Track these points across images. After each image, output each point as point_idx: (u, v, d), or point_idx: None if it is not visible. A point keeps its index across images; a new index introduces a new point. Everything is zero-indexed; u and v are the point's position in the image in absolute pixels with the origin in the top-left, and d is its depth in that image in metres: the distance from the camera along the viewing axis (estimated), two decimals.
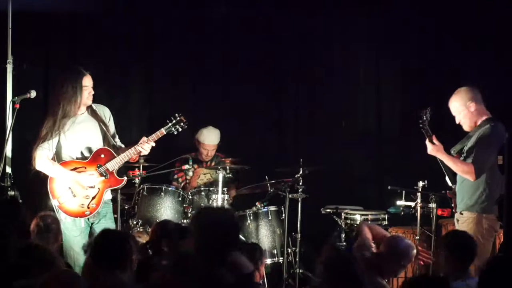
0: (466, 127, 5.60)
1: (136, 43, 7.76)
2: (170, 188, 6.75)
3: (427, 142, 5.57)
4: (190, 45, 7.82)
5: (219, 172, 6.63)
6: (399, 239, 4.80)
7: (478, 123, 5.53)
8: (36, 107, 6.86)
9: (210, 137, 7.24)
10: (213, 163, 7.30)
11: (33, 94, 5.81)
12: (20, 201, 5.62)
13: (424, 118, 5.54)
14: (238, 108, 7.85)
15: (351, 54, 7.88)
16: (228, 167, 6.71)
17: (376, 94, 7.95)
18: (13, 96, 5.93)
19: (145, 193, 6.64)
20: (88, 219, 5.69)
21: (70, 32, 7.62)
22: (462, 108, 5.55)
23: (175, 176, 7.30)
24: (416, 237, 6.13)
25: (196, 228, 3.65)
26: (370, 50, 7.90)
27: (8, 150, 6.04)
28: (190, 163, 6.94)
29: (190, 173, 7.04)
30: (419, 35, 7.61)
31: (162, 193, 6.67)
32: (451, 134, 5.78)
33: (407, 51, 7.68)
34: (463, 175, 5.48)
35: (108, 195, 5.84)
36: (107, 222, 5.74)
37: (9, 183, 5.66)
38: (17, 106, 5.73)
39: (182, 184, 7.26)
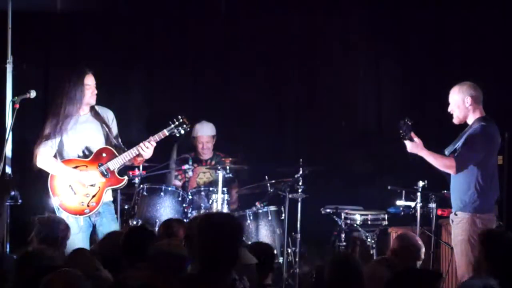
0: (455, 118, 5.58)
1: (136, 43, 7.76)
2: (170, 188, 6.75)
3: (406, 141, 5.56)
4: (190, 45, 7.82)
5: (219, 172, 6.64)
6: (411, 235, 4.92)
7: (471, 121, 5.53)
8: (36, 107, 6.86)
9: (203, 129, 7.27)
10: (213, 162, 7.30)
11: (33, 94, 5.81)
12: (20, 201, 5.62)
13: (404, 128, 5.53)
14: (238, 108, 7.85)
15: (351, 54, 7.88)
16: (228, 167, 6.71)
17: (376, 94, 7.95)
18: (13, 96, 5.92)
19: (145, 193, 6.64)
20: (90, 218, 5.70)
21: (70, 32, 7.62)
22: (459, 100, 5.55)
23: (175, 173, 7.31)
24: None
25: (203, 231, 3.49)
26: (370, 50, 7.90)
27: (8, 150, 6.04)
28: (190, 163, 6.95)
29: (190, 173, 7.04)
30: (420, 35, 7.61)
31: (162, 193, 6.67)
32: (451, 134, 5.78)
33: (408, 51, 7.68)
34: (445, 169, 5.47)
35: (108, 197, 5.84)
36: (109, 223, 5.74)
37: None
38: (17, 106, 5.72)
39: (182, 182, 7.27)
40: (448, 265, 6.01)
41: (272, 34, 7.79)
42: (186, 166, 6.81)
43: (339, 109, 7.89)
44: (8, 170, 5.94)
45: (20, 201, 5.64)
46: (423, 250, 5.11)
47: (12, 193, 5.61)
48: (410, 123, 5.52)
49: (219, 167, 6.67)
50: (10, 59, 6.42)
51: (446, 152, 5.61)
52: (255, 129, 7.87)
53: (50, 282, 3.35)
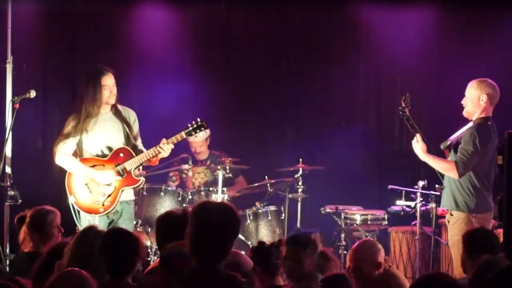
0: (465, 111, 5.57)
1: (136, 43, 7.75)
2: (170, 188, 6.75)
3: (414, 141, 5.54)
4: (190, 45, 7.82)
5: (218, 171, 6.64)
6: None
7: (474, 118, 5.50)
8: (36, 107, 6.87)
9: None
10: (208, 162, 7.30)
11: (33, 94, 5.81)
12: (20, 200, 5.62)
13: (404, 105, 5.50)
14: (238, 108, 7.85)
15: (351, 53, 7.88)
16: (228, 167, 6.71)
17: (376, 94, 7.95)
18: (13, 96, 5.93)
19: (144, 193, 6.63)
20: (107, 216, 5.71)
21: (70, 32, 7.62)
22: (475, 96, 5.50)
23: (170, 174, 7.30)
24: (416, 237, 6.13)
25: (196, 222, 3.41)
26: (370, 49, 7.90)
27: (8, 150, 6.04)
28: (190, 162, 6.94)
29: (190, 173, 7.03)
30: (419, 34, 7.61)
31: (162, 193, 6.67)
32: (450, 134, 5.77)
33: (407, 51, 7.68)
34: (446, 173, 5.46)
35: (129, 195, 5.83)
36: (124, 222, 5.74)
37: (9, 183, 5.67)
38: (17, 106, 5.73)
39: (176, 183, 7.25)
40: (448, 265, 6.01)
41: (273, 33, 7.80)
42: (185, 166, 6.79)
43: (339, 109, 7.89)
44: (8, 170, 5.94)
45: (20, 201, 5.63)
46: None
47: (12, 193, 5.61)
48: (409, 100, 5.51)
49: (219, 167, 6.67)
50: (10, 59, 6.43)
51: (442, 146, 5.60)
52: (255, 129, 7.87)
53: (56, 282, 3.34)
